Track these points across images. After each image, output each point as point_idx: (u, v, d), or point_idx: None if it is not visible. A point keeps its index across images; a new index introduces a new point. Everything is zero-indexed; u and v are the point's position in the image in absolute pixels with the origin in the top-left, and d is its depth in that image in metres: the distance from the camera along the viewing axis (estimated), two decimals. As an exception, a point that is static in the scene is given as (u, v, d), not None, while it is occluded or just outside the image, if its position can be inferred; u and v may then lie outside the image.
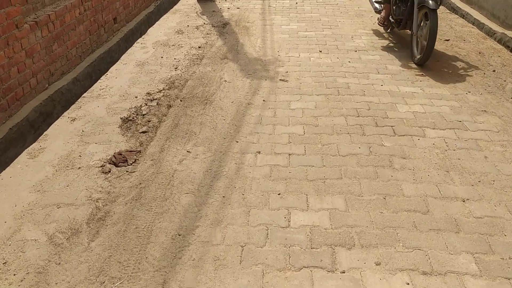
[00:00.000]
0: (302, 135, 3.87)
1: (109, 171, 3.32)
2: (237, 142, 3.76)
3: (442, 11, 7.84)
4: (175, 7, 8.22)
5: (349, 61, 5.52)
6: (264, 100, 4.51)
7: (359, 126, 4.00)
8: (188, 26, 6.95)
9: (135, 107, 4.35)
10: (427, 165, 3.42)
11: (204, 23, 7.06)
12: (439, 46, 6.06)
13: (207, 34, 6.53)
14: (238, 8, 7.98)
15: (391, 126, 3.99)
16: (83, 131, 3.94)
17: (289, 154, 3.58)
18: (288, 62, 5.51)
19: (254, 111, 4.30)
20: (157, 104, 4.39)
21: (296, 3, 8.32)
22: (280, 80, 4.99)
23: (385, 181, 3.23)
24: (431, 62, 5.46)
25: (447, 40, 6.28)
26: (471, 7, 7.79)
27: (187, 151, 3.62)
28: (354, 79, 5.00)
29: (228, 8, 7.96)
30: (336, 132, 3.90)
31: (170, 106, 4.37)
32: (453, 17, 7.48)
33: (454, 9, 8.00)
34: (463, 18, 7.60)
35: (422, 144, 3.71)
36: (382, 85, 4.85)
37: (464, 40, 6.32)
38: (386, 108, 4.34)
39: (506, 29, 6.63)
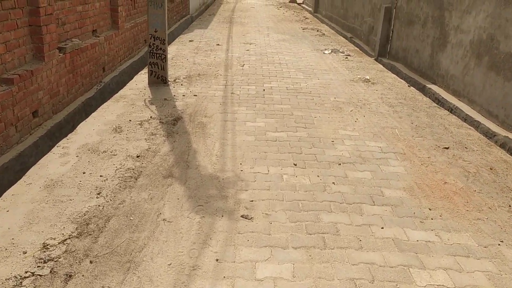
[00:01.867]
0: None
1: None
2: None
3: (428, 104, 6.73)
4: (121, 91, 6.79)
5: (333, 182, 4.13)
6: (217, 260, 2.97)
7: (364, 322, 2.50)
8: (130, 121, 5.47)
9: (15, 277, 2.72)
10: None
11: (150, 117, 5.61)
12: (439, 157, 4.79)
13: (152, 134, 5.06)
14: (195, 95, 6.62)
15: (413, 323, 2.51)
16: None
17: None
18: (254, 183, 4.06)
19: (201, 284, 2.74)
20: (50, 272, 2.77)
21: (264, 90, 7.06)
22: (242, 217, 3.49)
23: None
24: (438, 184, 4.14)
25: (447, 148, 5.05)
26: (459, 100, 6.74)
27: None
28: (343, 216, 3.57)
29: (184, 96, 6.58)
30: None
31: (70, 276, 2.76)
32: (443, 113, 6.35)
33: (440, 102, 6.93)
34: (452, 113, 6.51)
35: None
36: (382, 228, 3.43)
37: (466, 147, 5.11)
38: (397, 277, 2.88)
39: (509, 130, 5.51)
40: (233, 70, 8.18)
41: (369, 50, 10.79)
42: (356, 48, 11.20)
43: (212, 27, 13.14)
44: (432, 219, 3.59)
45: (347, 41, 12.12)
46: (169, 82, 7.19)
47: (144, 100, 6.29)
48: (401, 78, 8.27)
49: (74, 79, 6.07)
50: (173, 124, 5.40)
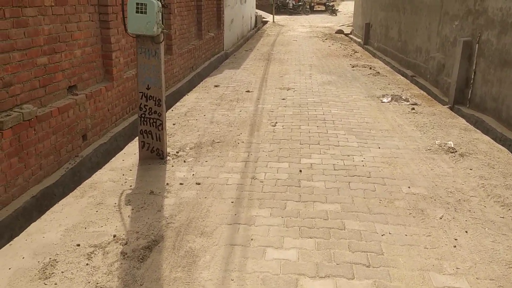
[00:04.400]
0: None
1: None
2: None
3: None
4: (98, 174, 4.66)
5: None
6: None
7: None
8: (78, 245, 3.27)
9: None
10: None
11: (114, 236, 3.38)
12: None
13: (98, 284, 2.81)
14: (199, 183, 4.36)
15: None
16: None
17: None
18: None
19: None
20: None
21: (300, 171, 4.69)
22: None
23: None
24: None
25: None
26: None
27: None
28: None
29: (181, 184, 4.34)
30: None
31: None
32: None
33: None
34: None
35: None
36: None
37: None
38: None
39: None
40: (260, 133, 5.89)
41: (439, 94, 8.22)
42: (421, 91, 8.63)
43: (246, 67, 11.01)
44: None
45: (408, 81, 9.58)
46: (167, 157, 5.01)
47: (120, 195, 4.10)
48: (498, 142, 5.65)
49: (23, 163, 4.02)
50: (142, 257, 3.12)
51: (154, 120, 4.89)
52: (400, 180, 4.46)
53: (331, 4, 30.59)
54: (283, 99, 7.72)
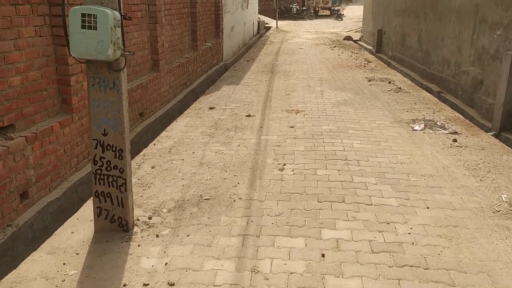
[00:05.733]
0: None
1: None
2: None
3: None
4: (31, 259, 3.15)
5: None
6: None
7: None
8: None
9: None
10: None
11: None
12: None
13: None
14: (173, 285, 2.84)
15: None
16: None
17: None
18: None
19: None
20: None
21: (322, 256, 3.14)
22: None
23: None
24: None
25: None
26: None
27: None
28: None
29: (146, 286, 2.82)
30: None
31: None
32: None
33: None
34: None
35: None
36: None
37: None
38: None
39: None
40: (264, 183, 4.36)
41: (477, 116, 6.70)
42: (455, 113, 7.09)
43: (247, 82, 9.49)
44: None
45: (436, 99, 8.04)
46: (134, 228, 3.49)
47: (48, 311, 2.58)
48: None
49: None
50: None
51: (114, 179, 3.38)
52: (474, 275, 2.92)
53: (337, 8, 29.07)
54: (292, 126, 6.18)
